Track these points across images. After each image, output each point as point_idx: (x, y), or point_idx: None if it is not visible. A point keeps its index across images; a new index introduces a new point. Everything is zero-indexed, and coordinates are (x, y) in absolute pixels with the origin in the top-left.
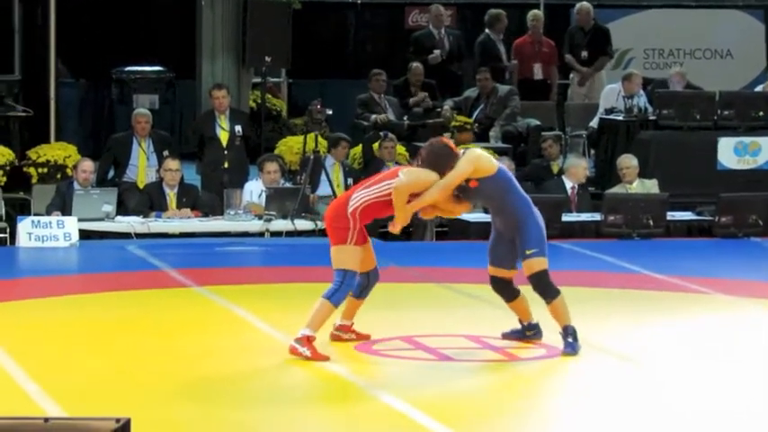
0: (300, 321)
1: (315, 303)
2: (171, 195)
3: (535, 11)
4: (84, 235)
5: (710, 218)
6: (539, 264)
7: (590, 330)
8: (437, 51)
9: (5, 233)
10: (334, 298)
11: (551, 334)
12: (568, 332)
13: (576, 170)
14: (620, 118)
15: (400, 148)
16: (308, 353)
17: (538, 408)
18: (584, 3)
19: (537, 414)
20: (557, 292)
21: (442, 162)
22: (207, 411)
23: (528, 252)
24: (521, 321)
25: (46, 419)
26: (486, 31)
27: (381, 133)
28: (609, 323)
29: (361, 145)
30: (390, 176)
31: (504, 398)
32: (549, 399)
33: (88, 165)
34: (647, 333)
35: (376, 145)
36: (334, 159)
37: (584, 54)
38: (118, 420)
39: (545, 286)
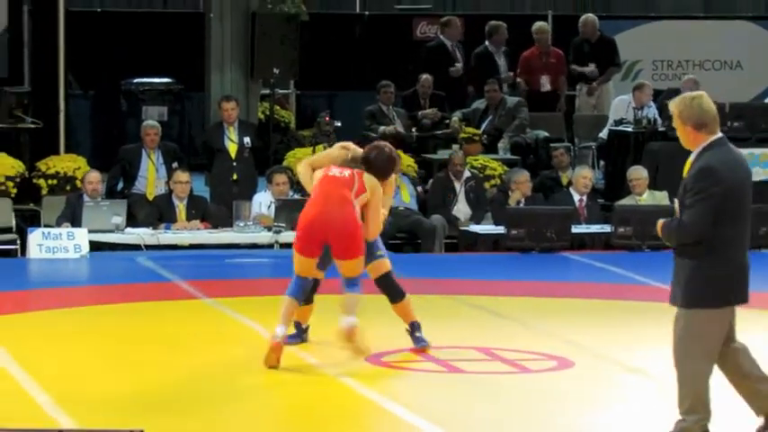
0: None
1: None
2: (180, 207)
3: (540, 23)
4: (95, 246)
5: None
6: (385, 265)
7: (600, 342)
8: (458, 64)
9: (16, 245)
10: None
11: (562, 345)
12: (415, 327)
13: (576, 179)
14: (630, 129)
15: (408, 160)
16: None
17: (549, 420)
18: (590, 15)
19: (548, 426)
20: (403, 293)
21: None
22: (218, 423)
23: (378, 253)
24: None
25: (59, 431)
26: (485, 42)
27: None
28: (619, 335)
29: None
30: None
31: (514, 410)
32: (560, 411)
33: (95, 176)
34: (658, 345)
35: None
36: None
37: (593, 66)
38: None
39: (392, 287)
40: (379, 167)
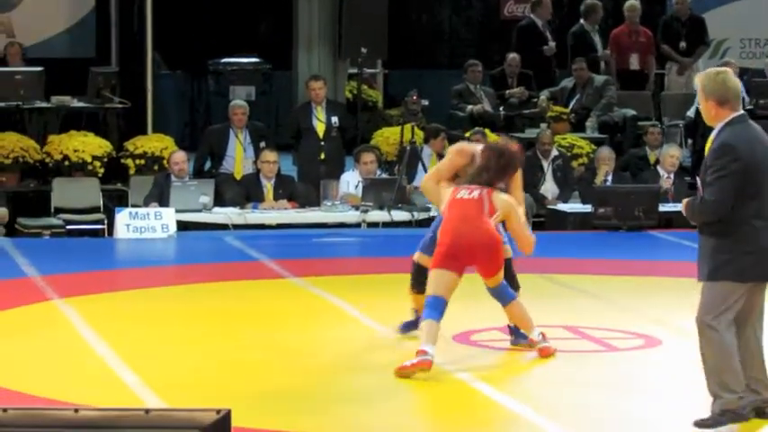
0: (398, 312)
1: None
2: (268, 186)
3: (632, 1)
4: (182, 226)
5: None
6: (506, 252)
7: (687, 321)
8: (552, 43)
9: (103, 224)
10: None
11: (649, 323)
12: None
13: (664, 158)
14: None
15: (496, 139)
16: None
17: (635, 398)
18: None
19: (635, 405)
20: (518, 286)
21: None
22: (308, 405)
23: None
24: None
25: (147, 411)
26: (581, 21)
27: (470, 133)
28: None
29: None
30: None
31: (601, 388)
32: (647, 389)
33: (180, 156)
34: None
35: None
36: (432, 150)
37: (683, 44)
38: (218, 412)
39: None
40: (497, 171)
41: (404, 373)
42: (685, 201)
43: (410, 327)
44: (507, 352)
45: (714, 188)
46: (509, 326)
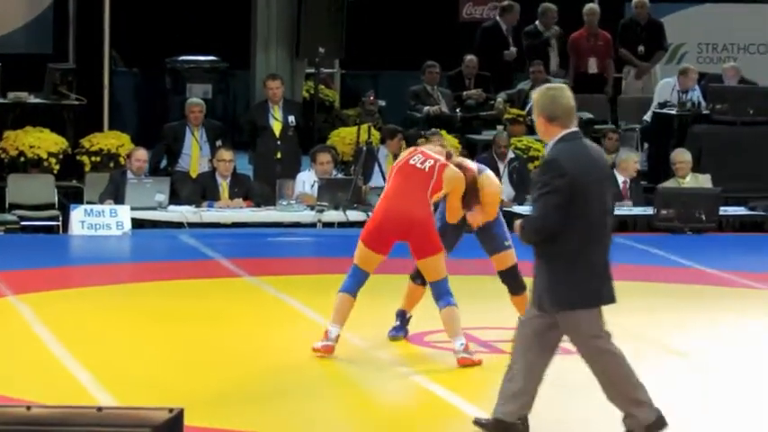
0: (357, 313)
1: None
2: (223, 185)
3: (591, 5)
4: (137, 224)
5: (763, 213)
6: (512, 257)
7: (642, 325)
8: (513, 48)
9: (58, 221)
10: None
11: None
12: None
13: (627, 164)
14: (674, 112)
15: (453, 140)
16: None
17: (581, 401)
18: None
19: (579, 407)
20: (524, 287)
21: None
22: (259, 403)
23: (506, 244)
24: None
25: (99, 409)
26: (536, 22)
27: (423, 132)
28: (661, 318)
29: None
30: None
31: (552, 392)
32: (596, 393)
33: (142, 153)
34: (699, 328)
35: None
36: (389, 151)
37: (641, 48)
38: (171, 410)
39: (515, 280)
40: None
41: (316, 354)
42: (518, 222)
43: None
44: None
45: (539, 204)
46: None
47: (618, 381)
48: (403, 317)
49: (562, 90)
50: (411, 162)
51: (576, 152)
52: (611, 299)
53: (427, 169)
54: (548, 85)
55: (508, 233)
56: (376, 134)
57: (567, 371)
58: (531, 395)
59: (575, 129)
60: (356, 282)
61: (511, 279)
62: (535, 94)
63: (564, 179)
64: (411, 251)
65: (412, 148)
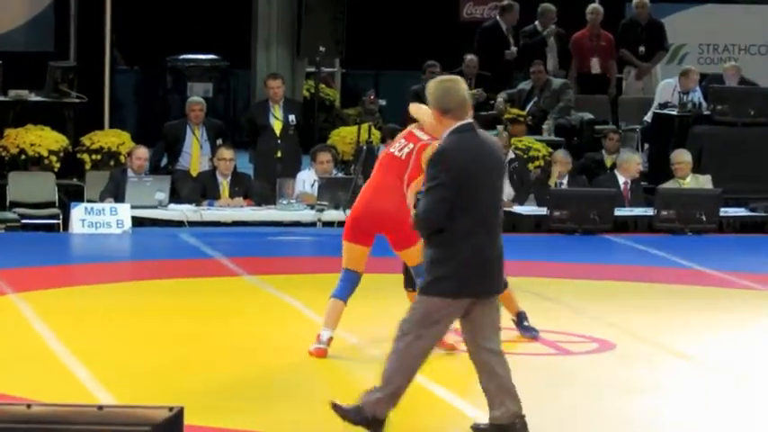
0: (351, 312)
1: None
2: (224, 184)
3: (594, 5)
4: (137, 222)
5: (764, 214)
6: None
7: (641, 325)
8: (513, 48)
9: (59, 219)
10: None
11: (604, 327)
12: (522, 317)
13: (629, 165)
14: (674, 113)
15: None
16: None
17: (585, 403)
18: None
19: (584, 409)
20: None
21: None
22: (259, 401)
23: None
24: None
25: (100, 407)
26: (536, 22)
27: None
28: (661, 318)
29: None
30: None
31: (551, 392)
32: (599, 394)
33: (143, 152)
34: (700, 328)
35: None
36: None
37: (642, 49)
38: (171, 409)
39: None
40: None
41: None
42: (412, 214)
43: None
44: (457, 353)
45: (426, 197)
46: (513, 319)
47: (404, 373)
48: None
49: (456, 82)
50: (391, 150)
51: (466, 144)
52: (482, 293)
53: (404, 157)
54: (442, 77)
55: None
56: (376, 133)
57: (567, 371)
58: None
59: (468, 121)
60: (347, 286)
61: None
62: (429, 87)
63: (450, 173)
64: (389, 243)
65: (406, 130)
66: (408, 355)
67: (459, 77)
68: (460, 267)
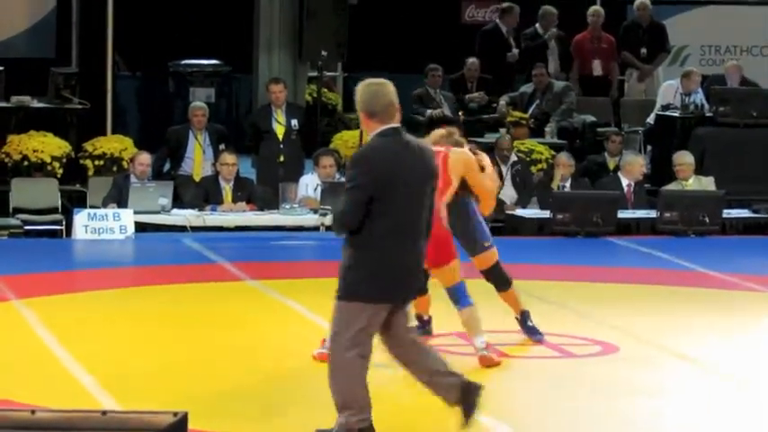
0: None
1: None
2: (227, 189)
3: (595, 6)
4: (140, 227)
5: (767, 215)
6: (494, 256)
7: (645, 327)
8: (515, 50)
9: (61, 225)
10: None
11: (607, 330)
12: (526, 317)
13: (632, 167)
14: (677, 114)
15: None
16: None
17: (590, 405)
18: None
19: (589, 411)
20: (510, 281)
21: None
22: (263, 406)
23: (486, 245)
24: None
25: (104, 412)
26: (536, 25)
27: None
28: (664, 320)
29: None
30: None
31: (555, 395)
32: (602, 396)
33: (146, 157)
34: (703, 331)
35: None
36: None
37: (644, 51)
38: (175, 414)
39: (500, 276)
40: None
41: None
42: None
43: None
44: (462, 357)
45: (344, 199)
46: (517, 318)
47: (359, 384)
48: (421, 320)
49: (383, 86)
50: None
51: (389, 148)
52: (398, 299)
53: None
54: (369, 80)
55: (487, 232)
56: None
57: (570, 374)
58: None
59: (394, 125)
60: None
61: (495, 276)
62: (357, 89)
63: (368, 175)
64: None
65: None
66: (353, 367)
67: (387, 81)
68: (375, 272)
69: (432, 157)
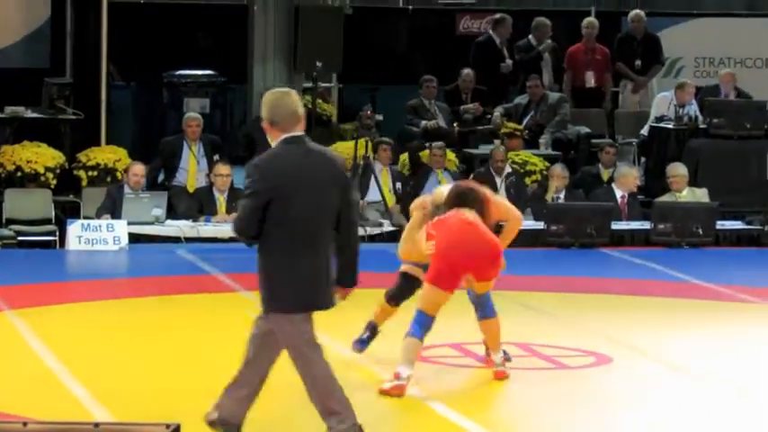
0: (348, 326)
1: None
2: (221, 200)
3: (590, 18)
4: (134, 238)
5: (760, 227)
6: None
7: (638, 339)
8: (508, 61)
9: (55, 236)
10: None
11: (601, 341)
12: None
13: (626, 179)
14: (671, 126)
15: (450, 155)
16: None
17: (584, 417)
18: (638, 11)
19: (583, 423)
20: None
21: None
22: (255, 418)
23: None
24: None
25: (96, 424)
26: (530, 36)
27: (427, 144)
28: (658, 331)
29: (407, 151)
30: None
31: (549, 406)
32: (597, 407)
33: (139, 168)
34: (696, 341)
35: (425, 153)
36: (380, 164)
37: (638, 62)
38: (168, 426)
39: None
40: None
41: (384, 393)
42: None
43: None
44: (457, 368)
45: (239, 206)
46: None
47: (320, 388)
48: (373, 329)
49: (286, 95)
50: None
51: (285, 156)
52: (314, 306)
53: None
54: (275, 89)
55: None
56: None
57: (564, 385)
58: (253, 396)
59: (296, 134)
60: (423, 329)
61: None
62: (263, 98)
63: (263, 183)
64: (472, 273)
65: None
66: (319, 374)
67: (292, 91)
68: (286, 283)
69: (334, 167)
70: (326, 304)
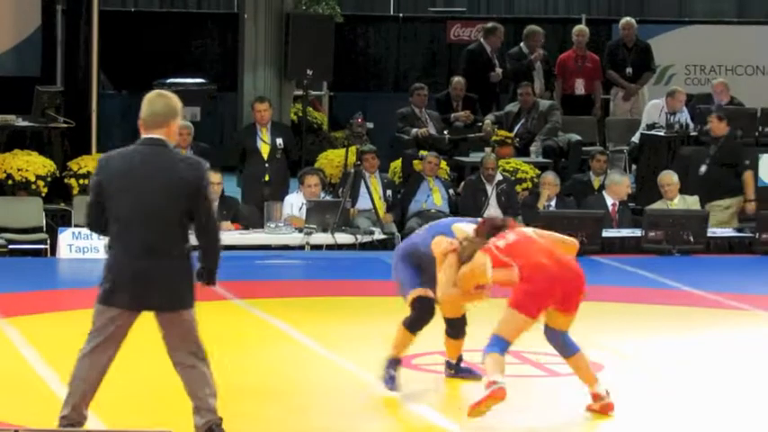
0: (340, 334)
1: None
2: None
3: (580, 26)
4: None
5: (751, 235)
6: None
7: (629, 345)
8: (498, 69)
9: (46, 244)
10: None
11: (592, 348)
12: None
13: (618, 188)
14: (662, 134)
15: (441, 163)
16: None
17: (576, 424)
18: (629, 18)
19: (576, 430)
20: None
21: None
22: (247, 424)
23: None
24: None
25: None
26: (521, 44)
27: (421, 153)
28: (648, 338)
29: (401, 159)
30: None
31: (540, 414)
32: (590, 414)
33: None
34: (687, 348)
35: (417, 162)
36: (367, 172)
37: (629, 70)
38: None
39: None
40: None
41: (477, 410)
42: None
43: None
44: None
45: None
46: (447, 361)
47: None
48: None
49: (160, 97)
50: (529, 235)
51: (124, 155)
52: (120, 304)
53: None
54: (159, 90)
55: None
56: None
57: (554, 392)
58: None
59: (152, 136)
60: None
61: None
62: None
63: (93, 178)
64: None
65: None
66: (89, 365)
67: (170, 95)
68: (107, 275)
69: (179, 173)
70: (126, 304)
